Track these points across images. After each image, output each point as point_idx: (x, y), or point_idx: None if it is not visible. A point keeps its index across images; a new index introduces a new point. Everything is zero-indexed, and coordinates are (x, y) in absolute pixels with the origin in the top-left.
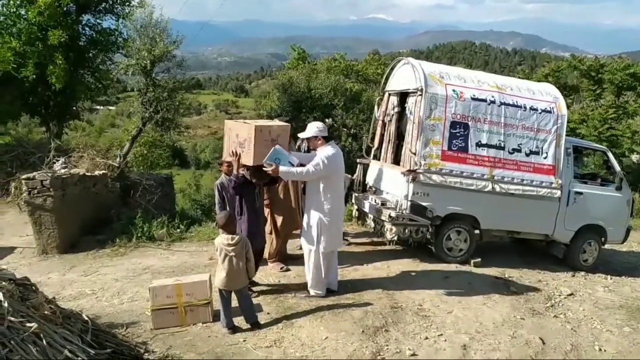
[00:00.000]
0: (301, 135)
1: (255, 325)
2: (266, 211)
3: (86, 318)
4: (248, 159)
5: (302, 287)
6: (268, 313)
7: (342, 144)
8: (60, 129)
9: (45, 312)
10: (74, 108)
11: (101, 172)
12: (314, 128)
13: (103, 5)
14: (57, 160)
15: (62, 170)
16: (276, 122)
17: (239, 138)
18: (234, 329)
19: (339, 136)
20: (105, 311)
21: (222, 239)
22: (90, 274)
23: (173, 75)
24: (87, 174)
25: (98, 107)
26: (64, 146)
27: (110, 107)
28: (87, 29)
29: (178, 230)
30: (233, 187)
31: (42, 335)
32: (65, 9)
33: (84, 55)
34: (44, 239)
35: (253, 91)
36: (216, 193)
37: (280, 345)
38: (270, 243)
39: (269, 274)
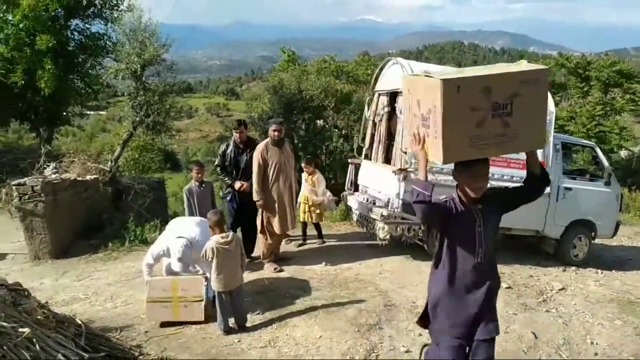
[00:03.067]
0: None
1: (243, 329)
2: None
3: (79, 322)
4: (436, 151)
5: (296, 287)
6: (262, 313)
7: (333, 144)
8: (51, 134)
9: (38, 317)
10: (64, 113)
11: (92, 177)
12: None
13: (91, 10)
14: (48, 166)
15: (53, 176)
16: (510, 67)
17: (421, 108)
18: (229, 331)
19: (330, 137)
20: (99, 315)
21: (216, 239)
22: (83, 278)
23: (163, 78)
24: (78, 178)
25: (88, 112)
26: (54, 151)
27: (101, 112)
28: (75, 33)
29: None
30: (417, 203)
31: (35, 340)
32: (53, 13)
33: (73, 60)
34: (35, 245)
35: (244, 94)
36: (185, 200)
37: (275, 345)
38: (263, 243)
39: (262, 274)
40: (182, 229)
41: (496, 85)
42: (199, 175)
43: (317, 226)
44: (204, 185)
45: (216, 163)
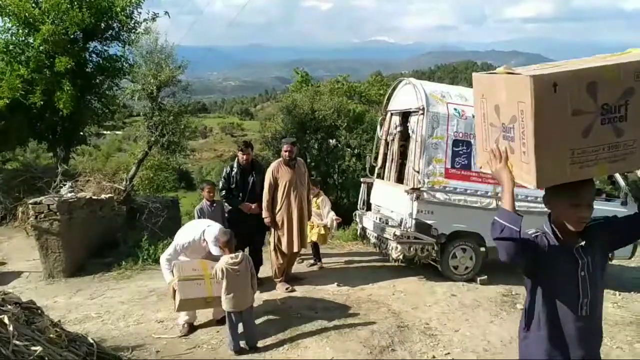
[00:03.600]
0: None
1: (254, 349)
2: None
3: (91, 341)
4: (526, 172)
5: (308, 307)
6: (274, 334)
7: (346, 163)
8: (68, 153)
9: (51, 335)
10: (81, 133)
11: (107, 196)
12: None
13: (109, 33)
14: (64, 185)
15: (69, 194)
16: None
17: (502, 115)
18: (240, 351)
19: (342, 156)
20: (111, 334)
21: (225, 259)
22: (97, 297)
23: (178, 99)
24: (93, 197)
25: (105, 132)
26: (71, 171)
27: (117, 132)
28: (94, 55)
29: None
30: (501, 239)
31: (47, 358)
32: (72, 36)
33: (91, 81)
34: (50, 263)
35: (258, 114)
36: (196, 218)
37: None
38: (275, 262)
39: (274, 294)
40: (206, 221)
41: (604, 81)
42: (210, 195)
43: (316, 246)
44: (215, 204)
45: (221, 186)
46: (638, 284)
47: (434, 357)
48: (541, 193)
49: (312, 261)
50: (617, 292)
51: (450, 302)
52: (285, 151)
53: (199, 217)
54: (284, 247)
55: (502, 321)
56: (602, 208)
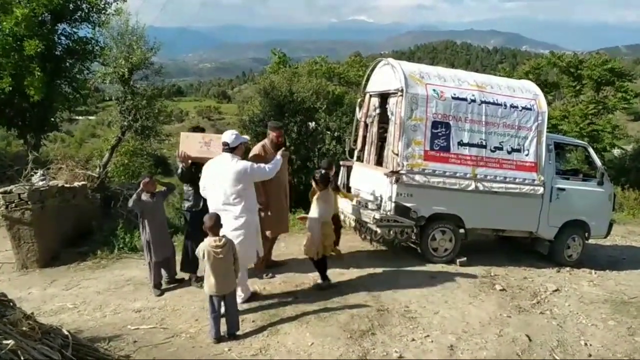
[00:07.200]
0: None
1: (233, 337)
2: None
3: (66, 333)
4: None
5: (288, 293)
6: (253, 321)
7: (326, 146)
8: (39, 140)
9: (24, 328)
10: (53, 119)
11: (81, 184)
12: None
13: (79, 14)
14: (35, 173)
15: (41, 183)
16: None
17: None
18: (220, 339)
19: (322, 139)
20: (87, 325)
21: (209, 242)
22: (72, 287)
23: (152, 82)
24: (66, 185)
25: (78, 117)
26: (42, 158)
27: (90, 117)
28: (63, 38)
29: None
30: None
31: (20, 352)
32: (40, 18)
33: (61, 65)
34: (23, 254)
35: (235, 96)
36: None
37: (266, 353)
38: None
39: (254, 280)
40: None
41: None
42: (152, 186)
43: (323, 261)
44: (155, 196)
45: (180, 172)
46: (612, 262)
47: (413, 339)
48: (519, 174)
49: (319, 281)
50: (593, 271)
51: (430, 284)
52: (278, 137)
53: (140, 210)
54: (268, 232)
55: (481, 302)
56: (579, 188)
